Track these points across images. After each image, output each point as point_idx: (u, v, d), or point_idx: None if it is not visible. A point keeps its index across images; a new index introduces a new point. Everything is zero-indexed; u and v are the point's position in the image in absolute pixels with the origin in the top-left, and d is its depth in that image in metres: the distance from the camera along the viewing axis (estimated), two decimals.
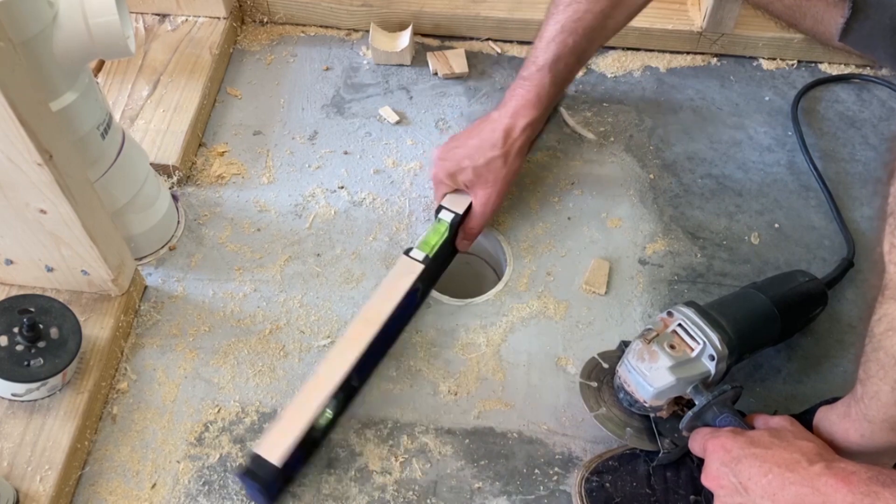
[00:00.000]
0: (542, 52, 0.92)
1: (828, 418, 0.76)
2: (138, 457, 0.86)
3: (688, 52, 1.24)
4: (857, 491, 0.60)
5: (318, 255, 1.01)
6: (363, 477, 0.85)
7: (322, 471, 0.85)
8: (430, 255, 0.92)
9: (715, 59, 1.24)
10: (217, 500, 0.83)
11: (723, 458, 0.70)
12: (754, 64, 1.23)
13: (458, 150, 0.95)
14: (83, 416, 0.84)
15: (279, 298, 0.97)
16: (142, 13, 1.21)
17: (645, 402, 0.78)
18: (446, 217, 0.96)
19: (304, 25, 1.27)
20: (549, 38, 0.92)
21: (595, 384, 0.84)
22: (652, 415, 0.80)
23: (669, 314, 0.80)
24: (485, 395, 0.91)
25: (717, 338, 0.77)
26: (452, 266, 1.07)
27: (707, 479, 0.72)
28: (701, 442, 0.74)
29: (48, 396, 0.85)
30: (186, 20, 1.21)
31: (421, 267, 0.91)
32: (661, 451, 0.79)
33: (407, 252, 0.92)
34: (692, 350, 0.78)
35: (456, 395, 0.91)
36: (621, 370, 0.80)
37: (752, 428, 0.75)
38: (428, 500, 0.84)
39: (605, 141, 1.13)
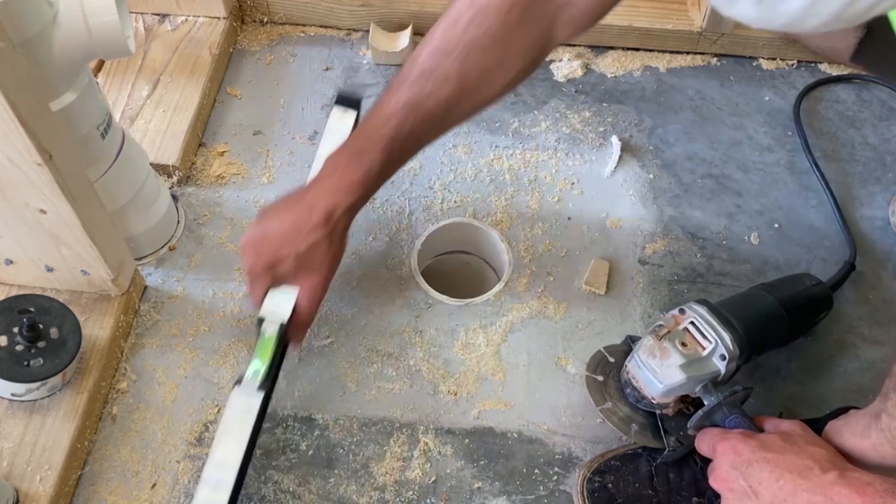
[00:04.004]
0: (379, 128, 0.79)
1: (841, 434, 0.75)
2: (138, 457, 0.86)
3: (688, 52, 1.24)
4: (871, 503, 0.60)
5: None
6: (363, 477, 0.85)
7: (322, 471, 0.85)
8: (267, 380, 0.81)
9: (715, 59, 1.24)
10: None
11: (733, 460, 0.70)
12: (754, 64, 1.23)
13: (273, 237, 0.82)
14: (83, 416, 0.84)
15: None
16: (142, 13, 1.21)
17: (653, 398, 0.78)
18: (272, 330, 0.82)
19: (304, 25, 1.27)
20: (389, 114, 0.79)
21: (601, 378, 0.83)
22: (658, 412, 0.80)
23: (682, 311, 0.79)
24: (485, 395, 0.91)
25: (730, 337, 0.77)
26: (452, 266, 1.07)
27: (716, 481, 0.71)
28: (710, 442, 0.74)
29: (48, 396, 0.85)
30: (186, 20, 1.21)
31: (258, 404, 0.79)
32: (667, 449, 0.79)
33: (238, 382, 0.80)
34: (703, 349, 0.77)
35: (456, 395, 0.91)
36: (630, 365, 0.80)
37: (762, 430, 0.75)
38: (428, 500, 0.84)
39: (604, 140, 1.13)
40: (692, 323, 0.78)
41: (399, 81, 0.80)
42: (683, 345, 0.77)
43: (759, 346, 0.83)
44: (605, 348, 0.85)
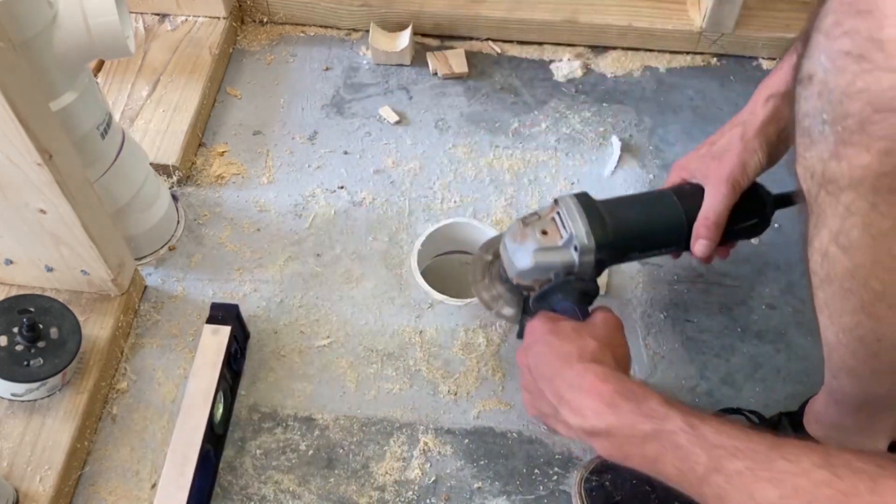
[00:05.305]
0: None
1: (812, 405, 0.79)
2: (138, 457, 0.86)
3: (688, 52, 1.24)
4: (601, 400, 0.62)
5: (318, 255, 1.01)
6: (363, 477, 0.85)
7: (322, 471, 0.85)
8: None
9: (715, 59, 1.24)
10: (217, 499, 0.83)
11: (527, 339, 0.73)
12: (754, 64, 1.23)
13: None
14: (83, 416, 0.84)
15: (279, 298, 0.97)
16: (142, 13, 1.21)
17: (512, 279, 0.80)
18: None
19: (304, 25, 1.27)
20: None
21: (490, 258, 0.86)
22: (525, 294, 0.81)
23: (556, 202, 0.80)
24: (485, 395, 0.91)
25: (586, 231, 0.77)
26: (452, 266, 1.07)
27: (517, 355, 0.74)
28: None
29: (48, 396, 0.85)
30: (186, 20, 1.21)
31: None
32: (518, 327, 0.82)
33: None
34: (561, 238, 0.78)
35: (456, 395, 0.91)
36: (500, 246, 0.82)
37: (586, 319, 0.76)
38: (428, 500, 0.84)
39: (604, 140, 1.13)
40: (559, 213, 0.79)
41: None
42: (544, 233, 0.78)
43: (640, 246, 0.83)
44: (502, 234, 0.86)
